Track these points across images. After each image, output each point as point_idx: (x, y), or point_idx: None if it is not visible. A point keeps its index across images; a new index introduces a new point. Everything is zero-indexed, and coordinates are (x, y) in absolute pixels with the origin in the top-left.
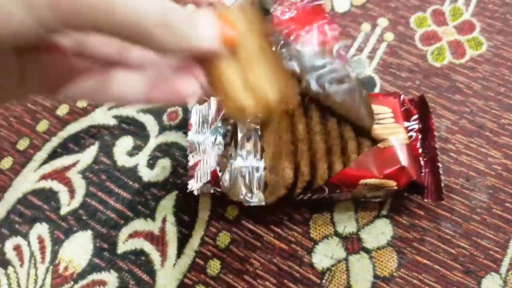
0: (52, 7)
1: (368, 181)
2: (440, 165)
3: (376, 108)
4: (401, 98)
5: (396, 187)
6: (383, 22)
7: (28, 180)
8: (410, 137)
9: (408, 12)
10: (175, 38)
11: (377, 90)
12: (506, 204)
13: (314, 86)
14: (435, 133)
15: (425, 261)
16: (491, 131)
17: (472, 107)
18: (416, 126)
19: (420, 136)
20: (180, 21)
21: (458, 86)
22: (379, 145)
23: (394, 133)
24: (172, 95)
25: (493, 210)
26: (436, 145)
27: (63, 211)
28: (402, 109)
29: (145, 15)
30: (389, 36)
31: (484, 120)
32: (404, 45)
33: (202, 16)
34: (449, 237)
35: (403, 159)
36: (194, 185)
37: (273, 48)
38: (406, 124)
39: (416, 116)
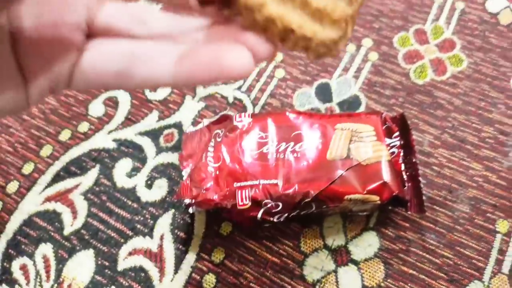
0: None
1: (352, 196)
2: (421, 179)
3: (358, 126)
4: (383, 116)
5: (379, 202)
6: (367, 42)
7: (33, 203)
8: (392, 153)
9: (391, 32)
10: None
11: (362, 108)
12: (488, 214)
13: None
14: (417, 148)
15: (410, 271)
16: (472, 144)
17: (454, 122)
18: (398, 143)
19: (402, 153)
20: None
21: (439, 102)
22: (362, 162)
23: (377, 151)
24: (216, 68)
25: (475, 220)
26: (416, 160)
27: (67, 231)
28: (384, 127)
29: None
30: (374, 56)
31: (465, 134)
32: (388, 64)
33: None
34: (433, 248)
35: (385, 175)
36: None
37: None
38: (388, 141)
39: (397, 133)
